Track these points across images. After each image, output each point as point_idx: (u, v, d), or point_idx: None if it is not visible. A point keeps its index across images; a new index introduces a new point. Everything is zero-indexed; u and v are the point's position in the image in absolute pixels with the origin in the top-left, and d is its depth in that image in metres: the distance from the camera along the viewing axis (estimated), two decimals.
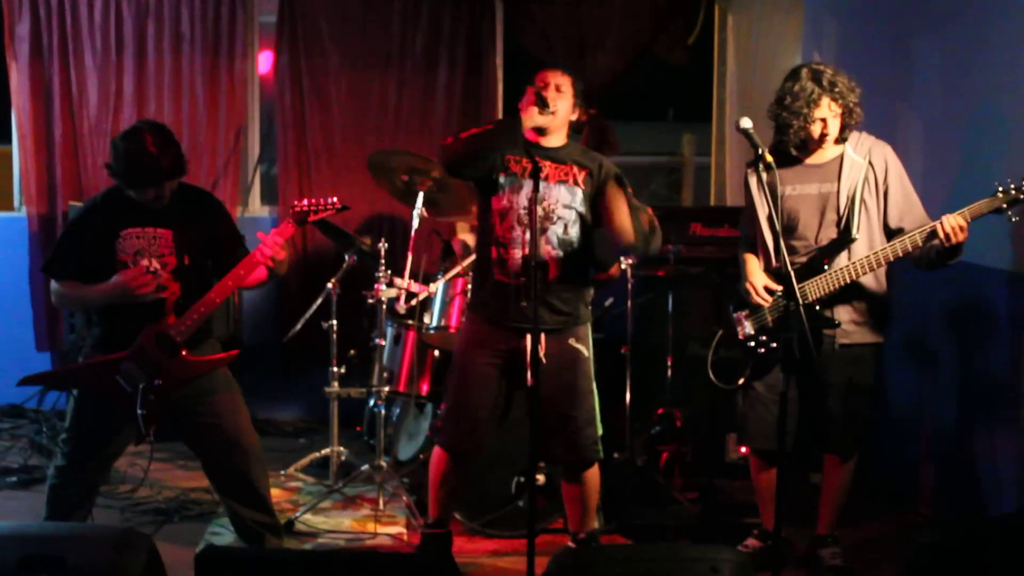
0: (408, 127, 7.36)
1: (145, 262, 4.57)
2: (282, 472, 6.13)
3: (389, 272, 5.75)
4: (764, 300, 4.79)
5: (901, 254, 4.57)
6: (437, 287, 5.79)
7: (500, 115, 7.43)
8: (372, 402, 6.19)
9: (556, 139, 4.69)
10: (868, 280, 4.69)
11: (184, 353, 4.59)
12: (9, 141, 7.40)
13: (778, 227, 4.26)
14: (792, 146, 4.74)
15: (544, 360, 4.54)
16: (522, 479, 5.25)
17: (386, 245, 5.82)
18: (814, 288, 4.66)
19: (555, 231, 4.63)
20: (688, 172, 10.11)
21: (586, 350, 4.74)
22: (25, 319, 7.26)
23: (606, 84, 7.41)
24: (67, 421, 4.76)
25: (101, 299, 4.60)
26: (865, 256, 4.62)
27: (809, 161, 4.78)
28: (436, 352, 5.83)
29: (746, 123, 4.20)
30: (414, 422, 6.23)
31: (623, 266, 5.88)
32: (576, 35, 7.39)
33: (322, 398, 6.17)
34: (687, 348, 6.01)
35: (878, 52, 6.10)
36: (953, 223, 4.44)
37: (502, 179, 4.66)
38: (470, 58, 7.37)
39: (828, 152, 4.76)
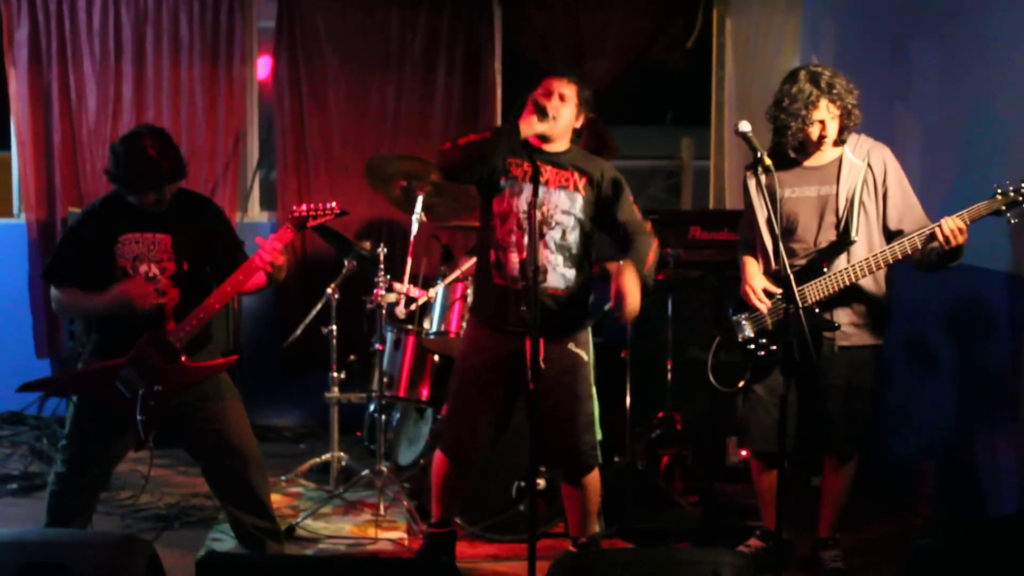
0: (407, 131, 7.36)
1: (144, 267, 4.58)
2: (283, 478, 6.12)
3: (388, 277, 5.75)
4: (763, 303, 4.79)
5: (900, 256, 4.57)
6: (437, 292, 5.79)
7: (499, 118, 7.43)
8: (372, 407, 6.19)
9: (559, 144, 4.69)
10: (867, 282, 4.69)
11: (183, 359, 4.59)
12: (8, 147, 7.40)
13: (777, 230, 4.26)
14: (790, 148, 4.74)
15: (543, 365, 4.55)
16: (522, 483, 5.25)
17: (385, 250, 5.81)
18: (813, 291, 4.67)
19: (553, 236, 4.62)
20: (687, 176, 10.11)
21: (586, 355, 4.74)
22: (25, 326, 7.25)
23: (604, 88, 7.39)
24: (67, 427, 4.76)
25: (102, 309, 4.60)
26: (864, 258, 4.62)
27: (808, 163, 4.78)
28: (436, 357, 5.83)
29: (745, 127, 4.21)
30: (414, 427, 6.23)
31: None
32: (574, 39, 7.39)
33: (322, 403, 6.17)
34: (687, 351, 6.01)
35: (876, 54, 6.11)
36: (952, 225, 4.44)
37: (503, 182, 4.66)
38: (468, 62, 7.37)
39: (827, 154, 4.77)
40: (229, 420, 4.71)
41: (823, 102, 4.63)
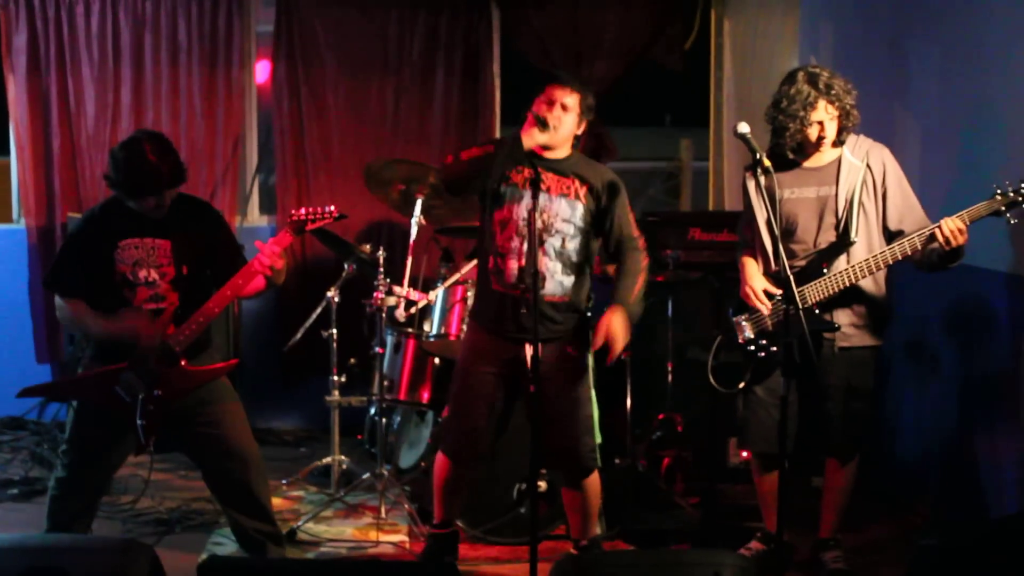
0: (406, 134, 7.36)
1: (144, 273, 4.58)
2: (283, 481, 6.12)
3: (388, 280, 5.75)
4: (763, 304, 4.79)
5: (900, 257, 4.57)
6: (436, 295, 5.79)
7: (498, 120, 7.44)
8: (373, 410, 6.19)
9: (559, 151, 4.69)
10: (867, 283, 4.69)
11: (183, 363, 4.59)
12: (7, 153, 7.40)
13: (777, 231, 4.26)
14: (789, 149, 4.74)
15: (542, 369, 4.57)
16: (524, 486, 5.25)
17: (385, 253, 5.82)
18: (813, 292, 4.66)
19: (553, 244, 4.62)
20: (686, 177, 10.10)
21: (584, 359, 4.74)
22: (25, 331, 7.25)
23: (603, 89, 7.38)
24: (67, 432, 4.76)
25: (104, 335, 4.61)
26: (864, 259, 4.62)
27: (807, 164, 4.79)
28: (436, 360, 5.83)
29: (744, 128, 4.21)
30: (415, 430, 6.23)
31: None
32: (573, 40, 7.39)
33: (323, 407, 6.17)
34: (687, 353, 6.01)
35: (875, 54, 6.11)
36: (952, 226, 4.44)
37: (503, 188, 4.66)
38: (467, 64, 7.37)
39: (826, 155, 4.77)
40: (229, 424, 4.71)
41: (821, 103, 4.63)
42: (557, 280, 4.63)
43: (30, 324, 7.25)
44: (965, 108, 5.37)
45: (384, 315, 5.75)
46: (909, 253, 4.56)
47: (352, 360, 6.31)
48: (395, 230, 7.27)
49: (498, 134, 7.46)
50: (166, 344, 4.55)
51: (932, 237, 4.50)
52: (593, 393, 4.79)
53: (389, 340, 5.85)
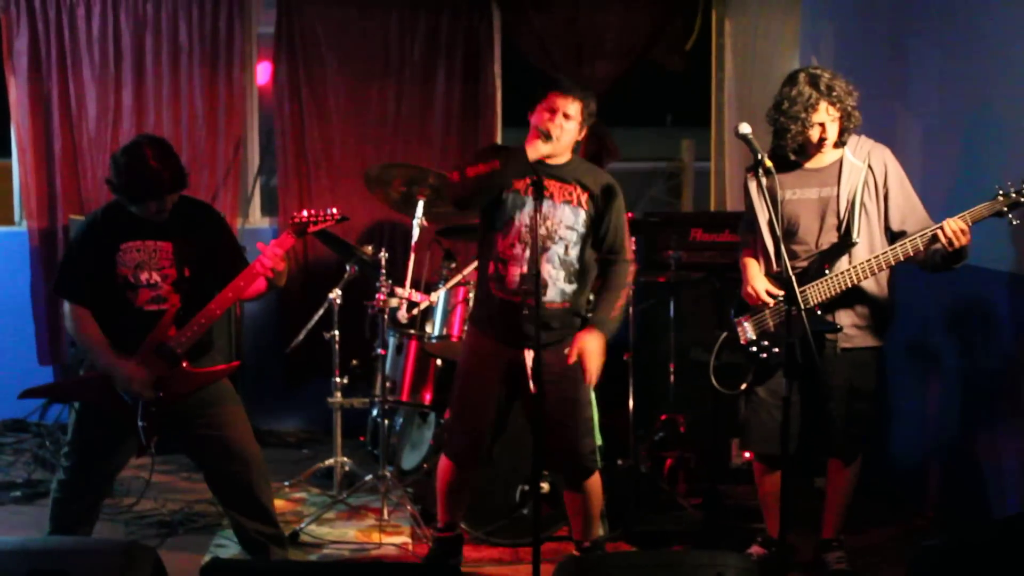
0: (407, 135, 7.36)
1: (145, 275, 4.58)
2: (286, 483, 6.12)
3: (390, 282, 5.76)
4: (768, 301, 4.79)
5: (903, 258, 4.57)
6: (438, 296, 5.79)
7: (499, 121, 7.44)
8: (375, 412, 6.19)
9: (561, 157, 4.68)
10: (869, 284, 4.69)
11: (185, 365, 4.59)
12: (9, 155, 7.40)
13: (779, 232, 4.26)
14: (791, 151, 4.74)
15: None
16: (526, 487, 5.25)
17: (387, 254, 5.82)
18: (815, 292, 4.66)
19: (556, 251, 4.62)
20: (688, 177, 10.13)
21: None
22: (27, 333, 7.25)
23: (604, 90, 7.39)
24: (69, 435, 4.76)
25: (100, 366, 4.61)
26: (866, 260, 4.62)
27: (808, 165, 4.78)
28: (438, 361, 5.83)
29: (745, 129, 4.20)
30: (417, 431, 6.23)
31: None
32: (574, 41, 7.39)
33: (325, 408, 6.17)
34: (689, 354, 6.00)
35: (876, 55, 6.11)
36: (954, 227, 4.44)
37: (505, 195, 4.66)
38: (468, 66, 7.37)
39: (827, 156, 4.76)
40: (231, 426, 4.71)
41: (823, 105, 4.62)
42: (559, 287, 4.63)
43: (32, 326, 7.26)
44: (966, 108, 5.36)
45: (386, 316, 5.75)
46: (911, 254, 4.55)
47: (354, 362, 6.31)
48: (397, 231, 7.27)
49: (499, 135, 7.46)
50: (168, 346, 4.56)
51: (934, 238, 4.49)
52: (593, 396, 4.79)
53: (391, 341, 5.85)
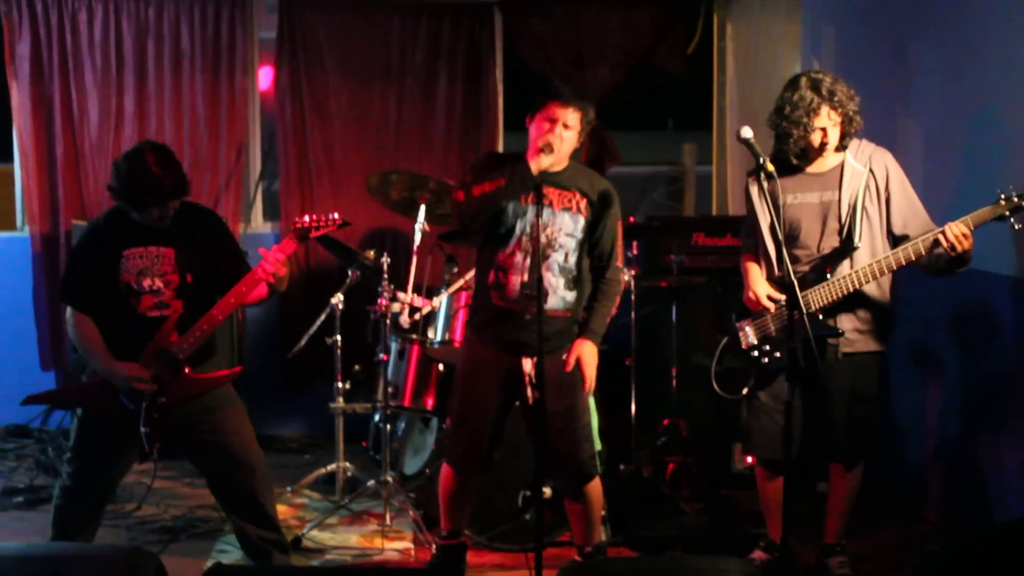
0: (409, 140, 7.37)
1: (148, 282, 4.58)
2: (288, 488, 6.12)
3: (392, 286, 5.76)
4: (769, 306, 4.79)
5: (904, 262, 4.56)
6: (440, 301, 5.79)
7: (501, 126, 7.45)
8: (377, 417, 6.19)
9: (560, 164, 4.68)
10: (871, 288, 4.69)
11: (187, 371, 4.59)
12: (11, 160, 7.40)
13: (780, 236, 4.25)
14: (792, 155, 4.74)
15: (536, 379, 4.58)
16: (528, 493, 5.25)
17: (389, 259, 5.82)
18: (817, 297, 4.66)
19: (556, 259, 4.62)
20: (689, 181, 10.13)
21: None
22: (29, 338, 7.26)
23: (606, 94, 7.41)
24: (71, 440, 4.76)
25: (100, 370, 4.62)
26: (868, 264, 4.61)
27: (810, 170, 4.78)
28: (440, 366, 5.83)
29: (747, 133, 4.20)
30: (419, 436, 6.23)
31: (626, 276, 5.89)
32: (575, 46, 7.40)
33: (327, 414, 6.17)
34: (691, 358, 6.00)
35: (877, 59, 6.11)
36: (956, 231, 4.44)
37: (505, 203, 4.66)
38: (469, 70, 7.38)
39: (829, 160, 4.76)
40: (234, 431, 4.71)
41: (824, 109, 4.62)
42: (560, 295, 4.64)
43: (34, 331, 7.26)
44: (968, 112, 5.36)
45: (388, 321, 5.75)
46: (913, 258, 4.55)
47: (356, 367, 6.30)
48: (399, 236, 7.28)
49: (501, 139, 7.47)
50: (170, 352, 4.56)
51: (936, 242, 4.49)
52: (592, 402, 4.79)
53: (393, 346, 5.85)
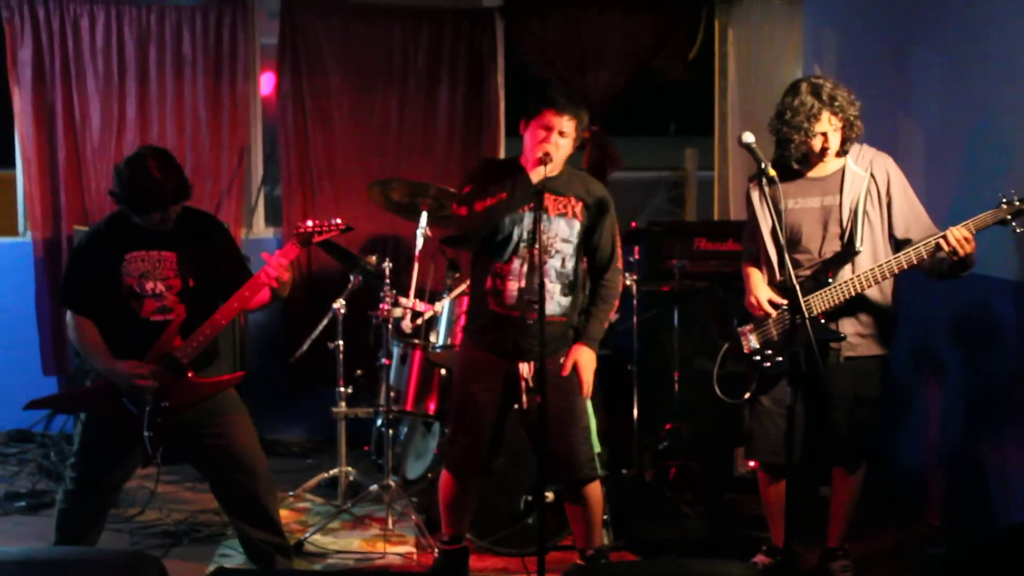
0: (410, 145, 7.38)
1: (150, 285, 4.58)
2: (290, 493, 6.12)
3: (394, 291, 5.76)
4: (771, 312, 4.79)
5: (906, 266, 4.56)
6: (443, 306, 5.80)
7: (502, 131, 7.45)
8: (379, 421, 6.19)
9: (555, 170, 4.68)
10: (873, 292, 4.69)
11: (190, 375, 4.60)
12: (13, 166, 7.41)
13: (782, 241, 4.26)
14: (793, 160, 4.74)
15: (534, 383, 4.62)
16: (530, 497, 5.25)
17: (391, 264, 5.82)
18: (819, 301, 4.66)
19: (553, 264, 4.63)
20: (691, 186, 10.13)
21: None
22: (31, 344, 7.26)
23: (607, 99, 7.42)
24: (75, 445, 4.77)
25: (101, 369, 4.63)
26: (869, 269, 4.61)
27: (811, 175, 4.78)
28: (443, 371, 5.83)
29: (748, 138, 4.20)
30: (422, 441, 6.23)
31: (627, 282, 5.90)
32: (577, 51, 7.40)
33: (329, 418, 6.17)
34: (693, 362, 6.00)
35: (878, 63, 6.11)
36: (958, 235, 4.44)
37: None
38: (471, 75, 7.39)
39: (830, 165, 4.77)
40: (237, 435, 4.71)
41: (825, 114, 4.63)
42: (556, 300, 4.64)
43: (36, 337, 7.26)
44: (970, 116, 5.37)
45: (390, 326, 5.76)
46: (915, 262, 4.55)
47: (358, 371, 6.31)
48: (400, 241, 7.28)
49: (503, 143, 7.47)
50: (174, 356, 4.56)
51: (938, 247, 4.49)
52: (589, 405, 4.79)
53: (395, 351, 5.86)
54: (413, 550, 5.43)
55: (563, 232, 4.64)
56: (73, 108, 7.18)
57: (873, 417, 4.86)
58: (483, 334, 4.74)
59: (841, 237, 4.71)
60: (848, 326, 4.72)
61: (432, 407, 5.82)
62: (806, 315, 4.15)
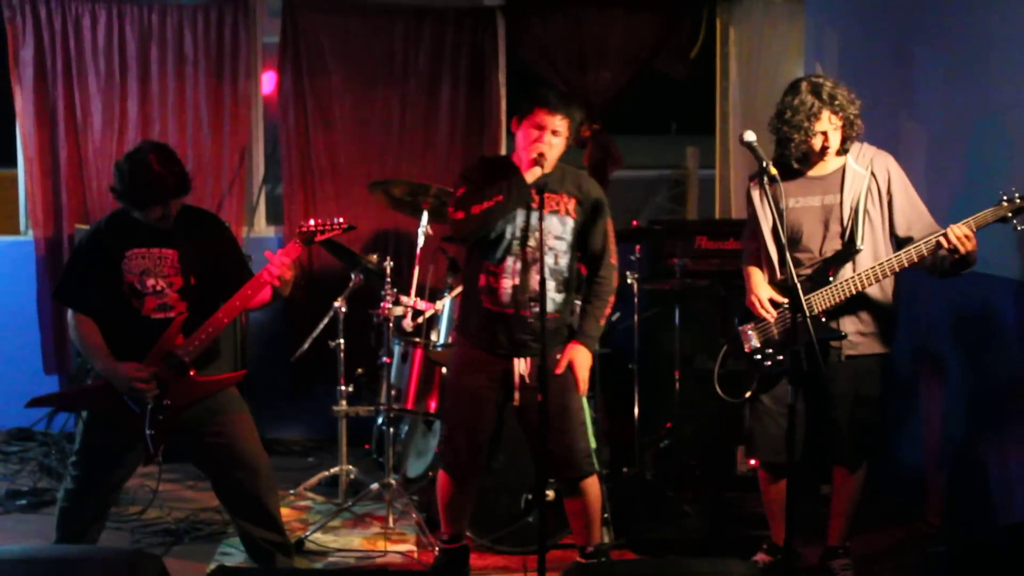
0: (412, 144, 7.38)
1: (152, 282, 4.59)
2: (291, 491, 6.13)
3: (395, 290, 5.77)
4: (769, 313, 4.79)
5: (907, 264, 4.56)
6: (443, 304, 5.80)
7: (504, 130, 7.44)
8: (380, 420, 6.20)
9: (548, 168, 4.68)
10: (874, 291, 4.69)
11: (192, 373, 4.60)
12: (15, 165, 7.41)
13: (783, 239, 4.25)
14: (794, 159, 4.74)
15: (528, 381, 4.64)
16: (531, 496, 5.25)
17: (391, 263, 5.83)
18: (820, 300, 4.66)
19: (547, 262, 4.62)
20: (692, 185, 10.14)
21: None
22: (33, 342, 7.26)
23: (609, 98, 7.42)
24: (76, 443, 4.77)
25: (101, 370, 4.63)
26: (870, 267, 4.61)
27: (811, 173, 4.78)
28: (444, 369, 5.83)
29: (750, 136, 4.20)
30: (422, 439, 6.23)
31: (629, 280, 5.90)
32: (578, 50, 7.40)
33: (330, 417, 6.17)
34: (694, 361, 6.01)
35: (880, 62, 6.11)
36: (959, 233, 4.44)
37: None
38: (472, 75, 7.38)
39: (830, 164, 4.77)
40: (238, 433, 4.72)
41: (825, 114, 4.62)
42: (550, 297, 4.63)
43: (38, 335, 7.27)
44: (971, 115, 5.36)
45: (391, 325, 5.76)
46: (915, 260, 4.55)
47: (359, 370, 6.32)
48: (401, 240, 7.28)
49: (504, 143, 7.47)
50: (176, 355, 4.57)
51: (939, 245, 4.49)
52: (585, 401, 4.79)
53: (396, 350, 5.86)
54: (414, 548, 5.44)
55: (556, 229, 4.64)
56: (75, 107, 7.18)
57: (874, 416, 4.86)
58: (477, 332, 4.74)
59: (842, 236, 4.71)
60: (849, 325, 4.72)
61: (433, 405, 5.82)
62: (807, 314, 4.15)
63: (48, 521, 4.94)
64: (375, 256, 5.97)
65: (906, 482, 5.96)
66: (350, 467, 6.07)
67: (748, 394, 4.88)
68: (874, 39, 6.23)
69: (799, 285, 4.13)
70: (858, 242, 4.66)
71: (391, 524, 5.64)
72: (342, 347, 6.02)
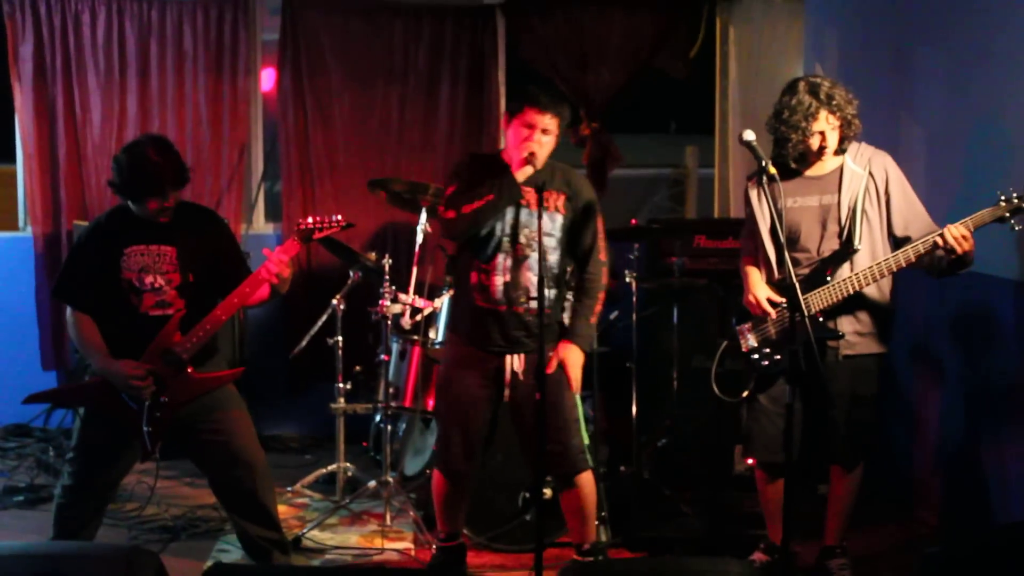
0: (411, 143, 7.38)
1: (150, 279, 4.59)
2: (289, 488, 6.13)
3: (394, 288, 5.77)
4: (769, 312, 4.79)
5: (904, 264, 4.57)
6: (442, 302, 5.80)
7: (503, 130, 7.44)
8: (378, 417, 6.20)
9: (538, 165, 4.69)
10: (871, 291, 4.69)
11: (190, 370, 4.60)
12: (14, 161, 7.41)
13: (782, 239, 4.25)
14: (791, 159, 4.74)
15: (522, 377, 4.65)
16: (528, 494, 5.25)
17: (390, 261, 5.83)
18: (817, 300, 4.66)
19: (535, 259, 4.63)
20: (691, 184, 10.13)
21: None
22: (31, 338, 7.27)
23: (608, 97, 7.42)
24: (73, 440, 4.77)
25: (98, 368, 4.63)
26: (868, 267, 4.61)
27: (809, 173, 4.78)
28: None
29: (749, 136, 4.19)
30: (420, 437, 6.23)
31: (627, 279, 5.90)
32: (578, 49, 7.40)
33: (328, 414, 6.18)
34: (692, 360, 6.01)
35: (879, 62, 6.11)
36: (956, 233, 4.44)
37: None
38: (472, 73, 7.39)
39: (828, 164, 4.77)
40: (235, 431, 4.72)
41: (823, 113, 4.62)
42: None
43: (36, 332, 7.27)
44: (970, 115, 5.36)
45: (389, 322, 5.76)
46: (913, 260, 4.55)
47: (357, 367, 6.32)
48: (400, 238, 7.28)
49: (503, 142, 7.46)
50: (174, 352, 4.57)
51: (936, 244, 4.49)
52: (577, 398, 4.79)
53: (394, 347, 5.86)
54: (411, 546, 5.44)
55: (546, 226, 4.64)
56: (74, 103, 7.18)
57: (871, 415, 4.86)
58: (469, 330, 4.75)
59: (839, 235, 4.71)
60: (846, 324, 4.72)
61: (431, 403, 5.81)
62: (805, 313, 4.15)
63: (45, 517, 4.94)
64: (374, 254, 5.97)
65: (903, 482, 5.97)
66: (348, 464, 6.07)
67: (745, 394, 4.88)
68: (874, 39, 6.23)
69: (797, 284, 4.13)
70: (856, 242, 4.66)
71: (388, 522, 5.64)
72: (340, 344, 6.03)
